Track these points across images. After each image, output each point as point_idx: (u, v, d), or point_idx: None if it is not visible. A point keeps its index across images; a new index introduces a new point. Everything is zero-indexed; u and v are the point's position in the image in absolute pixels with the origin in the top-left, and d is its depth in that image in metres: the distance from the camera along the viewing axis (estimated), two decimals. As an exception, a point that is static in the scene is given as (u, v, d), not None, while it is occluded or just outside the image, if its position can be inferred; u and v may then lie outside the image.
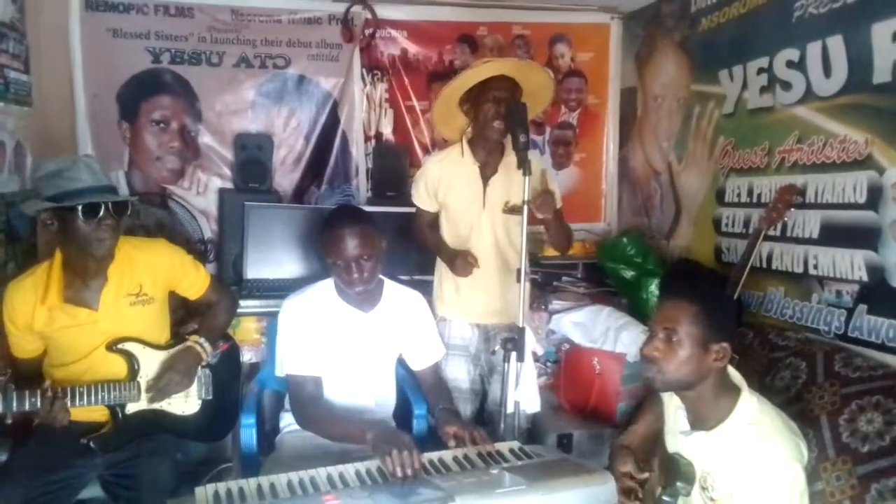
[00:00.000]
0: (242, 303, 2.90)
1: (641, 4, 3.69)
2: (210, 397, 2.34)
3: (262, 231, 3.24)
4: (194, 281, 2.36)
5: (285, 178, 3.69)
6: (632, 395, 2.89)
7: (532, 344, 2.39)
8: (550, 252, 3.55)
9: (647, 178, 3.71)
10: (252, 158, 3.45)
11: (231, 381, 2.53)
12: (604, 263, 3.40)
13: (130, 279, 2.18)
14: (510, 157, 2.53)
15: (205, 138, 3.58)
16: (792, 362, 2.34)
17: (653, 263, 3.25)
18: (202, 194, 3.61)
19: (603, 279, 3.58)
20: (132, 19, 3.42)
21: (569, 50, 3.95)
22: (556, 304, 3.30)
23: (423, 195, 2.68)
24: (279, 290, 3.00)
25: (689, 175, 3.28)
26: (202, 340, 2.30)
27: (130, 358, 2.17)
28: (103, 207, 2.00)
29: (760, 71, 2.75)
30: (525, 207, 2.26)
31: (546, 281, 3.52)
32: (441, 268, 2.72)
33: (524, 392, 2.34)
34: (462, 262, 2.51)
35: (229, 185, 3.56)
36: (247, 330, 3.02)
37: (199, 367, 2.30)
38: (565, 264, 3.64)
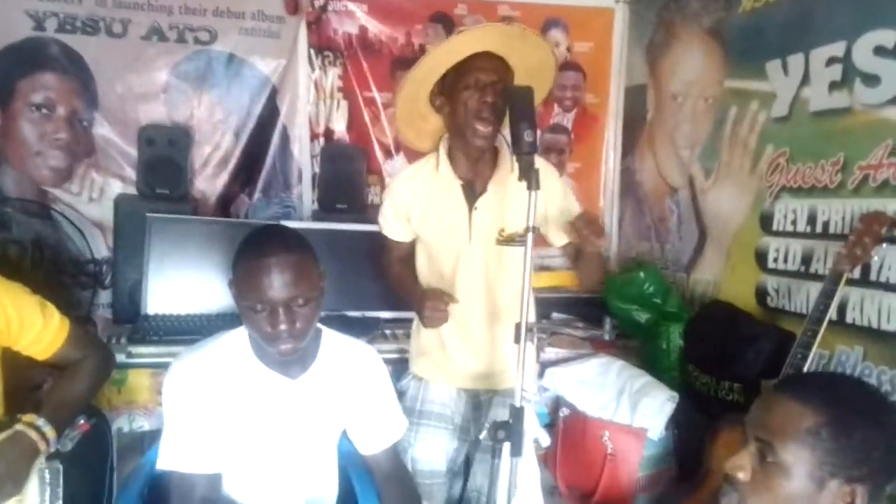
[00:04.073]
0: (135, 350, 2.22)
1: (655, -15, 3.05)
2: (60, 502, 1.60)
3: (170, 251, 2.50)
4: (40, 335, 1.63)
5: (208, 183, 2.97)
6: (653, 484, 2.20)
7: (535, 430, 1.69)
8: (540, 282, 2.85)
9: (659, 194, 3.03)
10: (161, 157, 2.68)
11: (97, 474, 1.83)
12: (612, 303, 2.69)
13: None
14: (504, 169, 1.91)
15: (102, 129, 2.83)
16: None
17: (675, 305, 2.56)
18: (96, 201, 2.84)
19: (602, 316, 2.89)
20: (7, -27, 2.64)
21: (565, 38, 3.28)
22: (548, 351, 2.59)
23: (392, 222, 2.03)
24: (187, 331, 2.33)
25: (720, 193, 2.61)
26: (41, 422, 1.56)
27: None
28: None
29: (832, 61, 2.10)
30: (529, 236, 1.58)
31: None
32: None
33: (523, 500, 1.65)
34: (432, 305, 1.85)
35: (132, 189, 2.78)
36: (138, 387, 2.25)
37: (41, 460, 1.57)
38: (557, 299, 2.95)
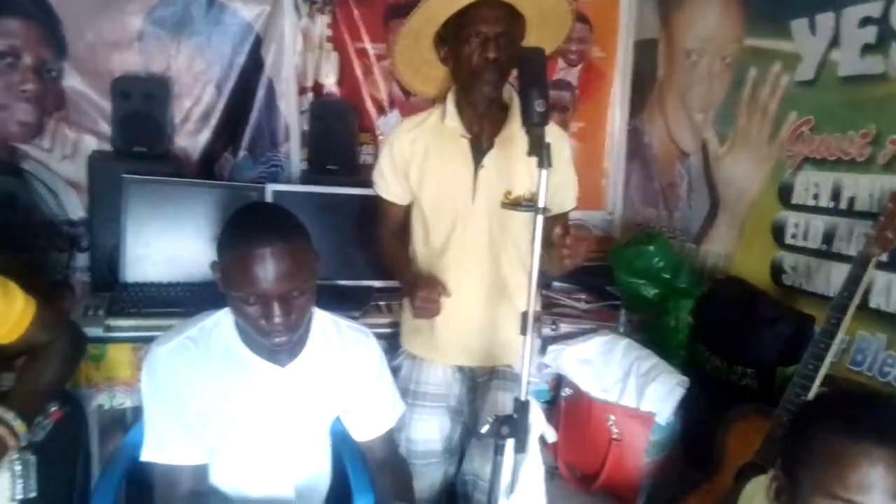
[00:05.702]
0: (114, 322, 2.08)
1: (670, -71, 2.82)
2: (34, 494, 1.51)
3: (149, 215, 2.34)
4: (1, 318, 1.47)
5: (189, 140, 2.76)
6: (658, 470, 2.12)
7: (541, 425, 1.58)
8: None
9: (669, 158, 2.87)
10: (137, 111, 2.48)
11: (72, 461, 1.69)
12: (619, 276, 2.55)
13: None
14: (513, 125, 1.74)
15: (72, 80, 2.58)
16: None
17: (686, 280, 2.42)
18: (70, 158, 2.63)
19: (604, 286, 2.77)
20: None
21: (572, -15, 3.05)
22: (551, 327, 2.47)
23: (389, 178, 1.87)
24: (169, 303, 2.19)
25: (735, 160, 2.46)
26: (9, 416, 1.44)
27: None
28: None
29: (866, 22, 1.92)
30: (539, 218, 1.43)
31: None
32: None
33: (525, 497, 1.55)
34: (424, 296, 1.72)
35: (108, 146, 2.58)
36: (118, 363, 2.12)
37: (11, 454, 1.45)
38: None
